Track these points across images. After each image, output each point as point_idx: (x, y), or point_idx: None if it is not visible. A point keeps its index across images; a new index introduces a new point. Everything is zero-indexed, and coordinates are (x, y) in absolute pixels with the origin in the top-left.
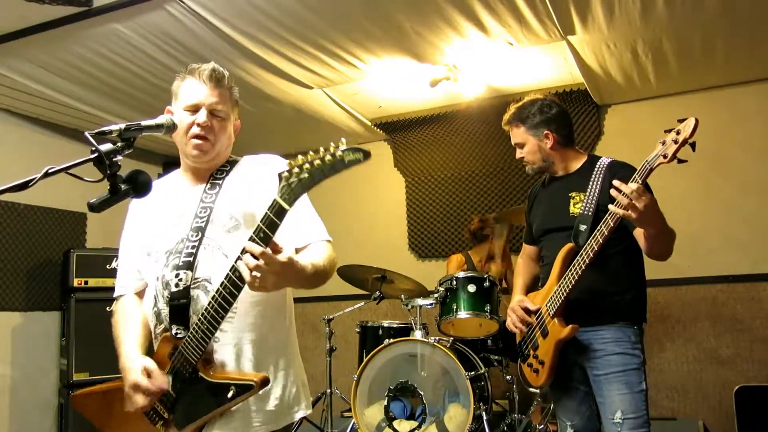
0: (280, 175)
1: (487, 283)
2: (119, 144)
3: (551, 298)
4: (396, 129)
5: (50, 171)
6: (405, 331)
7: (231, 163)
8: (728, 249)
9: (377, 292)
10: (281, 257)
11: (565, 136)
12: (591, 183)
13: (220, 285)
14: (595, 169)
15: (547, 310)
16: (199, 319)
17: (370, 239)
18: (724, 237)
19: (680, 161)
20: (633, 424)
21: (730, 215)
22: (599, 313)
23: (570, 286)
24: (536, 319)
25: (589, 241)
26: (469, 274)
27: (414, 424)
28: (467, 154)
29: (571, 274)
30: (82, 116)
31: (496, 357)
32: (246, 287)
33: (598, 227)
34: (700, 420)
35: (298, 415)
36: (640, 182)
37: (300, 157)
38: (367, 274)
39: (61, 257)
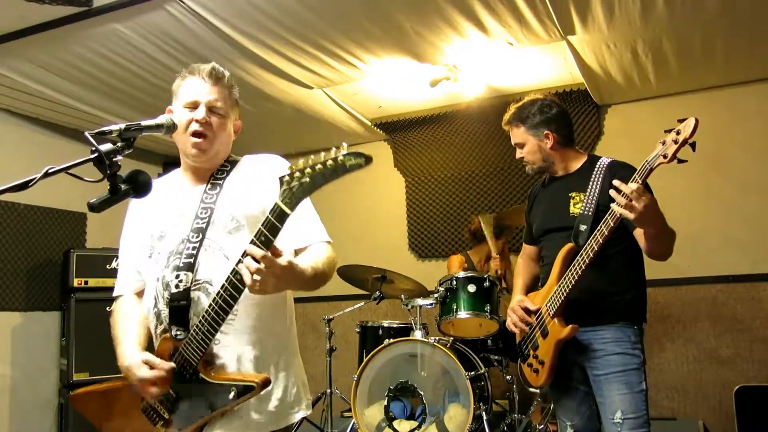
0: (281, 179)
1: (487, 283)
2: (119, 144)
3: (551, 298)
4: (396, 129)
5: (50, 171)
6: (405, 331)
7: (231, 163)
8: (728, 249)
9: (377, 292)
10: (282, 261)
11: (565, 136)
12: (591, 183)
13: (221, 288)
14: (595, 169)
15: (547, 310)
16: (200, 321)
17: (370, 239)
18: (724, 237)
19: (680, 161)
20: (633, 424)
21: (730, 215)
22: (599, 313)
23: (570, 286)
24: (536, 319)
25: (589, 241)
26: (469, 274)
27: (414, 424)
28: (467, 154)
29: (571, 274)
30: (82, 116)
31: (496, 357)
32: (246, 290)
33: (598, 227)
34: (700, 420)
35: (299, 416)
36: (640, 182)
37: (301, 161)
38: (367, 274)
39: (61, 257)
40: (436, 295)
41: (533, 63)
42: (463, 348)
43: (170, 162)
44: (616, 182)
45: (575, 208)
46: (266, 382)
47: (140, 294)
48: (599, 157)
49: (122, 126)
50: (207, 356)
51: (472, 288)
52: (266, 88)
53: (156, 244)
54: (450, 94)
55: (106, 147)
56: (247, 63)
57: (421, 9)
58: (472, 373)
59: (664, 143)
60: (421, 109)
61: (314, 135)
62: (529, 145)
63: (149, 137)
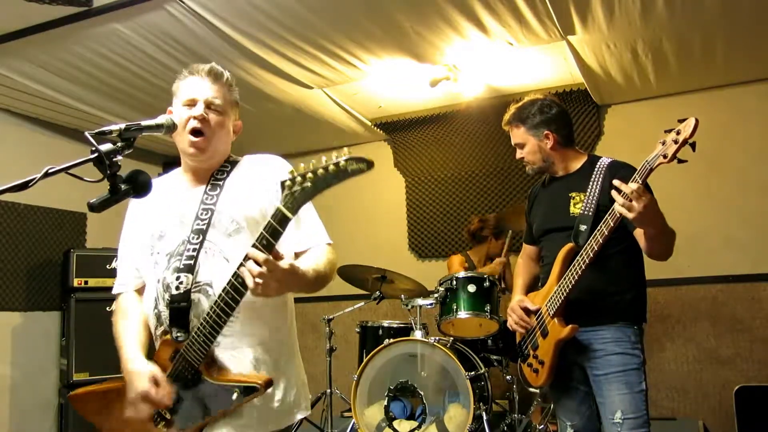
0: (283, 183)
1: (487, 283)
2: (119, 144)
3: (551, 298)
4: (396, 129)
5: (50, 171)
6: (405, 331)
7: (232, 164)
8: (728, 249)
9: (377, 292)
10: (283, 264)
11: (565, 136)
12: (591, 183)
13: (222, 291)
14: (596, 169)
15: (547, 310)
16: (201, 324)
17: (370, 239)
18: (724, 237)
19: (680, 161)
20: (633, 424)
21: (730, 215)
22: (599, 313)
23: (570, 286)
24: (536, 319)
25: (589, 241)
26: (469, 274)
27: (414, 424)
28: (467, 154)
29: (571, 274)
30: (82, 116)
31: (496, 357)
32: (248, 293)
33: (598, 227)
34: (700, 420)
35: (299, 416)
36: (640, 182)
37: (303, 165)
38: (367, 274)
39: (61, 257)
40: (436, 295)
41: (533, 63)
42: (463, 348)
43: (170, 162)
44: (616, 182)
45: (575, 208)
46: (269, 383)
47: (140, 291)
48: (599, 157)
49: (122, 126)
50: (208, 358)
51: (472, 288)
52: (266, 88)
53: (156, 243)
54: (450, 94)
55: (106, 147)
56: (247, 63)
57: (421, 9)
58: (472, 373)
59: (664, 143)
60: (421, 109)
61: (314, 135)
62: (529, 145)
63: (149, 137)
